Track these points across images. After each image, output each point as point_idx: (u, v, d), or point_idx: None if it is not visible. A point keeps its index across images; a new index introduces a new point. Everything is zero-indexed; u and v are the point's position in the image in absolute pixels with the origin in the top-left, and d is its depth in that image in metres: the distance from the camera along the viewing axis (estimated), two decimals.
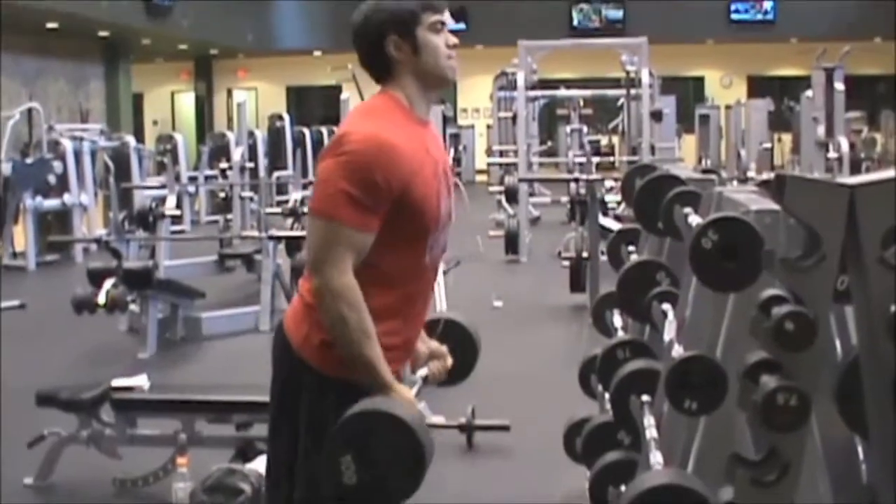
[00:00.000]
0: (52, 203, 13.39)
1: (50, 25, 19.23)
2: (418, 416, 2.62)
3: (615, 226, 9.10)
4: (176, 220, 11.29)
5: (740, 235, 2.12)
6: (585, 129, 17.29)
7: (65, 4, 17.14)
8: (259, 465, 4.47)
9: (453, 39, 2.82)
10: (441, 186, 2.81)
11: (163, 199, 10.19)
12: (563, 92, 16.82)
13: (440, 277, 6.86)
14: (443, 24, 2.81)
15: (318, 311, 2.69)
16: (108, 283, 7.45)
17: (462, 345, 3.28)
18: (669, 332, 2.88)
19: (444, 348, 3.18)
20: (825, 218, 1.90)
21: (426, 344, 3.12)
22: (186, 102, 30.47)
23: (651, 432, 2.75)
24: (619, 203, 11.02)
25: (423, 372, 3.09)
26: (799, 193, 1.94)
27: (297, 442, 2.79)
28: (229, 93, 29.68)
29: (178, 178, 15.12)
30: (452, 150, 23.75)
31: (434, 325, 3.24)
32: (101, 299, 7.38)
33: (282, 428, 2.85)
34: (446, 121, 24.10)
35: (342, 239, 2.62)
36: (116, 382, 5.15)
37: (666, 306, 3.10)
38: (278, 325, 2.86)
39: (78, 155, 14.09)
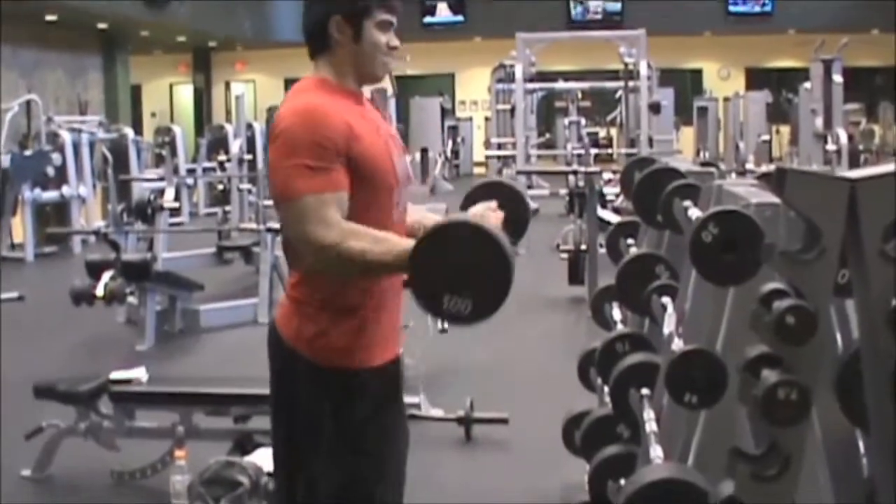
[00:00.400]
0: (50, 195, 13.38)
1: (49, 17, 19.20)
2: (485, 223, 2.57)
3: (614, 218, 9.10)
4: (174, 212, 11.30)
5: (740, 229, 2.12)
6: (584, 121, 17.29)
7: None
8: (257, 457, 4.47)
9: (395, 42, 2.81)
10: (388, 144, 2.80)
11: (161, 191, 10.19)
12: (561, 84, 16.85)
13: None
14: (391, 24, 2.80)
15: (334, 271, 2.66)
16: (107, 275, 7.44)
17: (509, 201, 3.08)
18: (669, 325, 2.88)
19: (489, 203, 3.04)
20: (826, 211, 1.89)
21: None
22: (185, 94, 30.44)
23: (651, 426, 2.74)
24: (617, 195, 11.01)
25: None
26: (799, 187, 1.94)
27: (295, 435, 2.79)
28: (227, 85, 29.65)
29: (176, 170, 15.13)
30: (450, 143, 23.77)
31: (473, 195, 3.11)
32: (100, 291, 7.37)
33: (282, 422, 2.85)
34: (444, 113, 24.17)
35: (313, 208, 2.58)
36: (115, 375, 5.15)
37: (665, 299, 3.10)
38: (270, 325, 2.86)
39: (76, 147, 14.08)
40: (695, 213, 2.69)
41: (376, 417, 2.79)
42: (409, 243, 2.53)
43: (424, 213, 3.06)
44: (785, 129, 21.07)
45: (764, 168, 10.94)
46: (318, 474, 2.76)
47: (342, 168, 2.63)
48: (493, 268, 2.48)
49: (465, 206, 3.07)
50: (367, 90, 2.95)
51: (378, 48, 2.78)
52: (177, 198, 11.17)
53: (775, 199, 2.18)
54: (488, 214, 2.93)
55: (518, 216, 3.11)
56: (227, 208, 14.63)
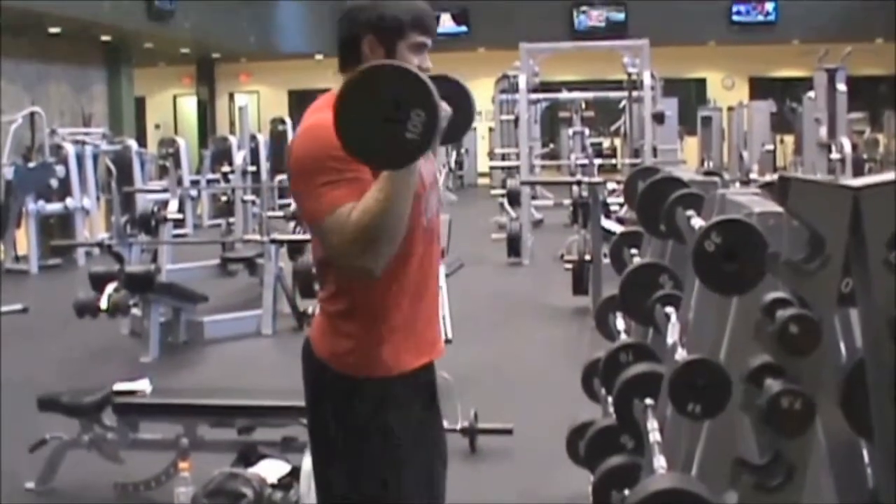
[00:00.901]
0: (54, 207, 13.41)
1: (52, 30, 19.24)
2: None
3: (618, 228, 9.09)
4: (178, 223, 11.31)
5: (743, 238, 2.11)
6: (587, 131, 17.29)
7: (67, 7, 17.14)
8: (261, 469, 4.47)
9: (428, 64, 2.75)
10: None
11: (165, 203, 10.19)
12: (564, 94, 16.83)
13: (442, 280, 6.85)
14: (425, 46, 2.76)
15: (338, 313, 2.68)
16: (111, 287, 7.45)
17: (457, 97, 2.90)
18: (672, 335, 2.87)
19: None
20: (829, 220, 1.88)
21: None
22: (189, 106, 30.48)
23: (654, 436, 2.73)
24: (621, 205, 11.01)
25: None
26: (803, 195, 1.93)
27: (334, 448, 2.80)
28: (231, 97, 29.69)
29: (180, 181, 15.13)
30: (454, 154, 23.77)
31: None
32: (104, 303, 7.38)
33: (319, 437, 2.86)
34: None
35: (336, 224, 2.54)
36: (118, 386, 5.15)
37: (669, 309, 3.08)
38: (305, 342, 2.85)
39: (80, 159, 14.11)
40: (698, 222, 2.68)
41: (410, 423, 2.80)
42: (382, 175, 2.51)
43: None
44: (789, 139, 21.06)
45: (768, 177, 10.94)
46: (355, 484, 2.77)
47: (363, 174, 2.58)
48: (427, 95, 2.41)
49: None
50: None
51: None
52: (180, 209, 11.16)
53: (778, 209, 2.17)
54: None
55: (464, 110, 2.94)
56: (231, 220, 14.65)
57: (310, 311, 8.12)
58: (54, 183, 13.35)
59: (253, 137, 16.53)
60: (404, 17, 2.72)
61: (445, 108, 2.59)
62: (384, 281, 2.64)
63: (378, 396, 2.72)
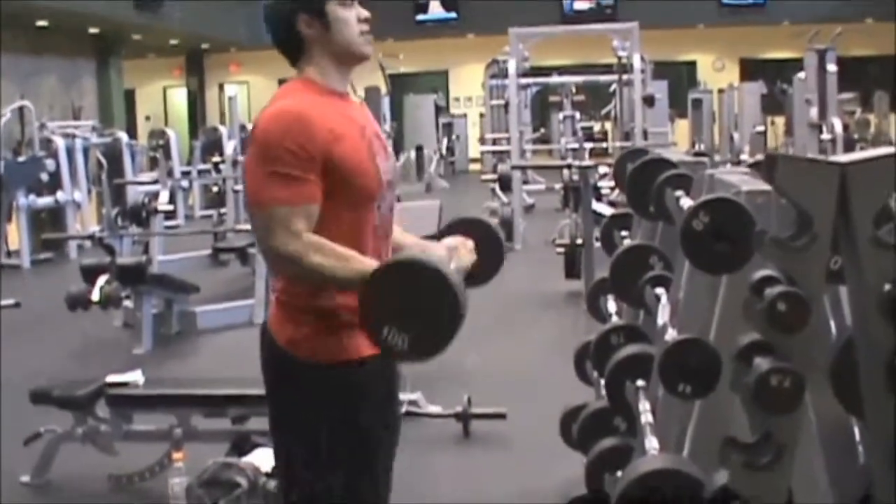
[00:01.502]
0: (45, 201, 13.38)
1: (40, 23, 19.18)
2: (438, 260, 2.58)
3: (609, 212, 9.08)
4: (169, 215, 11.27)
5: (731, 217, 2.11)
6: (578, 115, 17.25)
7: (55, 2, 17.09)
8: (255, 458, 4.46)
9: (364, 13, 2.79)
10: (373, 147, 2.76)
11: (156, 195, 10.18)
12: (555, 79, 16.81)
13: None
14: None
15: (299, 281, 2.68)
16: (102, 280, 7.44)
17: (485, 242, 3.05)
18: (663, 316, 2.87)
19: (466, 240, 3.01)
20: (817, 197, 1.88)
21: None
22: (179, 97, 30.42)
23: (646, 417, 2.74)
24: (612, 189, 10.99)
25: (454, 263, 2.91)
26: (790, 173, 1.92)
27: (296, 436, 2.78)
28: (221, 87, 29.61)
29: (170, 173, 15.09)
30: (445, 140, 23.75)
31: (452, 227, 3.10)
32: (96, 296, 7.36)
33: (282, 424, 2.85)
34: (438, 110, 24.17)
35: (281, 219, 2.58)
36: (111, 378, 5.14)
37: (659, 290, 3.09)
38: (262, 328, 2.85)
39: (70, 152, 14.08)
40: (686, 202, 2.67)
41: (371, 406, 2.78)
42: (371, 265, 2.56)
43: (418, 241, 3.05)
44: (780, 120, 21.04)
45: (759, 157, 10.92)
46: (319, 470, 2.74)
47: (317, 178, 2.61)
48: (441, 314, 2.48)
49: (444, 234, 3.06)
50: (360, 88, 2.92)
51: (350, 26, 2.75)
52: (171, 201, 11.16)
53: (766, 187, 2.17)
54: (461, 250, 2.93)
55: (492, 256, 3.07)
56: (223, 210, 14.63)
57: None
58: (45, 177, 13.31)
59: (243, 127, 16.43)
60: None
61: (466, 260, 2.86)
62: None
63: (339, 382, 2.69)
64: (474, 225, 3.12)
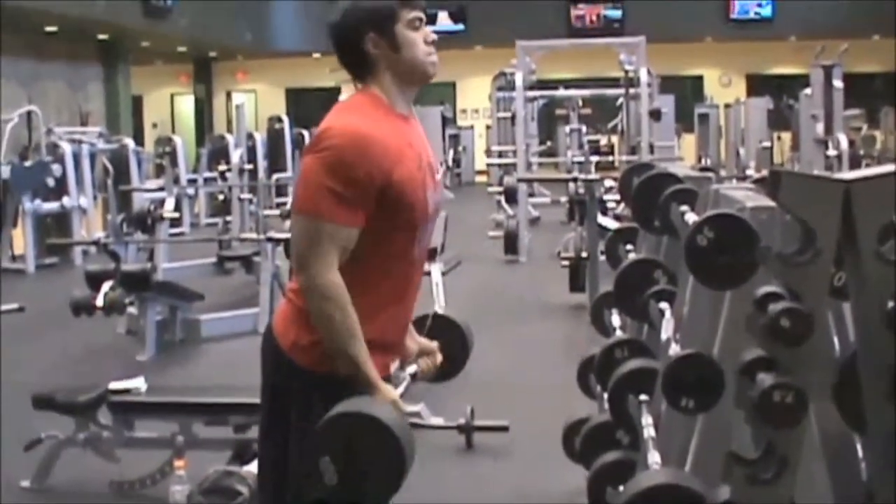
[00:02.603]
0: (51, 206, 13.38)
1: (49, 29, 19.22)
2: (400, 418, 2.61)
3: (615, 225, 9.08)
4: (175, 222, 11.29)
5: (736, 232, 2.10)
6: (584, 128, 17.28)
7: (63, 6, 17.12)
8: (256, 467, 4.46)
9: (432, 35, 2.82)
10: (426, 178, 2.79)
11: (161, 202, 10.18)
12: (561, 92, 16.82)
13: (439, 277, 6.85)
14: (421, 20, 2.80)
15: (306, 307, 2.68)
16: (107, 286, 7.43)
17: (452, 341, 3.24)
18: (667, 330, 2.87)
19: (433, 344, 3.15)
20: (821, 214, 1.88)
21: (415, 340, 3.10)
22: (186, 105, 30.45)
23: (649, 431, 2.73)
24: (618, 202, 11.00)
25: (411, 369, 3.04)
26: (794, 189, 1.93)
27: (287, 444, 2.78)
28: (228, 95, 29.66)
29: (177, 180, 15.11)
30: (452, 151, 23.76)
31: (423, 322, 3.21)
32: (100, 302, 7.36)
33: (273, 431, 2.84)
34: (445, 122, 24.18)
35: (326, 235, 2.61)
36: (114, 385, 5.14)
37: (663, 305, 3.09)
38: (267, 329, 2.85)
39: (77, 158, 14.08)
40: (691, 217, 2.68)
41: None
42: (364, 367, 2.66)
43: (417, 340, 3.13)
44: (786, 136, 21.05)
45: (764, 173, 10.91)
46: (308, 478, 2.74)
47: (368, 205, 2.65)
48: (383, 470, 2.55)
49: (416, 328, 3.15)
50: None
51: (417, 47, 2.78)
52: (177, 208, 11.15)
53: (771, 203, 2.17)
54: (425, 364, 3.08)
55: (456, 356, 3.26)
56: (228, 218, 14.62)
57: None
58: (51, 182, 13.32)
59: (250, 136, 16.52)
60: (389, 1, 2.76)
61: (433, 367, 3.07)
62: (360, 288, 2.68)
63: (339, 393, 2.68)
64: (439, 322, 3.28)
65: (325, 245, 2.60)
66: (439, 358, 3.15)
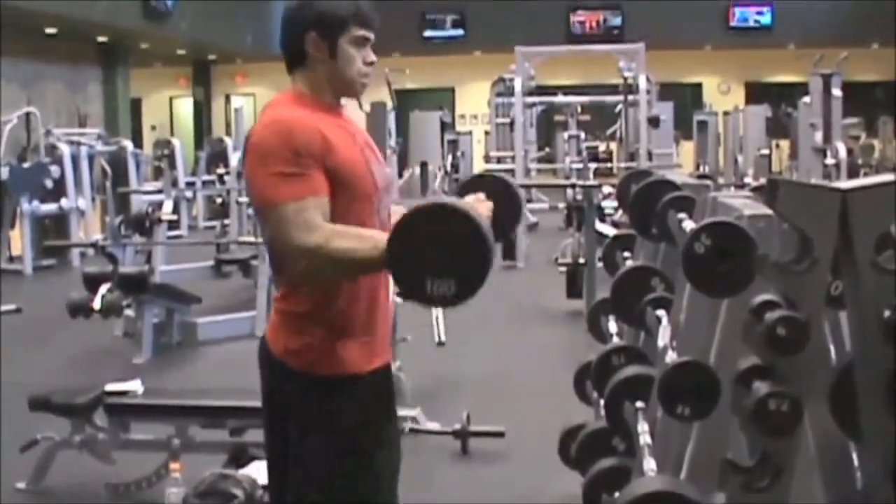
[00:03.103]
0: (49, 207, 13.38)
1: (49, 30, 19.22)
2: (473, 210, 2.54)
3: (612, 232, 9.08)
4: (173, 224, 11.29)
5: (733, 240, 2.11)
6: (583, 135, 17.30)
7: (63, 7, 17.12)
8: (252, 470, 4.46)
9: (372, 57, 2.80)
10: (366, 154, 2.79)
11: (160, 204, 10.18)
12: (560, 98, 16.86)
13: None
14: (367, 40, 2.79)
15: (317, 278, 2.66)
16: (104, 288, 7.42)
17: (502, 193, 3.05)
18: (663, 337, 2.87)
19: (480, 195, 3.01)
20: (818, 222, 1.89)
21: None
22: (185, 108, 30.45)
23: (645, 438, 2.74)
24: (616, 209, 11.00)
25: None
26: (791, 198, 1.94)
27: (286, 446, 2.79)
28: (227, 98, 29.66)
29: (175, 183, 15.11)
30: (450, 157, 23.76)
31: (478, 182, 3.10)
32: (97, 304, 7.35)
33: (273, 433, 2.85)
34: (444, 127, 24.19)
35: (294, 214, 2.57)
36: (110, 387, 5.14)
37: (660, 312, 3.09)
38: (261, 340, 2.86)
39: (75, 159, 14.08)
40: (689, 224, 2.68)
41: (368, 422, 2.77)
42: (382, 243, 2.53)
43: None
44: (784, 144, 21.07)
45: (762, 181, 10.93)
46: (310, 483, 2.74)
47: (320, 174, 2.62)
48: (470, 246, 2.46)
49: (461, 192, 3.06)
50: (365, 103, 2.93)
51: (354, 64, 2.77)
52: (175, 211, 11.17)
53: (768, 211, 2.18)
54: (477, 204, 2.88)
55: (509, 207, 3.06)
56: (226, 221, 14.61)
57: None
58: (49, 183, 13.32)
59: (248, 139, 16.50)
60: (345, 12, 2.75)
61: (486, 213, 2.76)
62: (337, 283, 2.68)
63: (335, 395, 2.69)
64: (486, 179, 3.13)
65: (298, 220, 2.56)
66: (490, 204, 2.97)
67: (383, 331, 2.88)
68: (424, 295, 2.47)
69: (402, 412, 3.14)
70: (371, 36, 2.80)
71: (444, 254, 2.45)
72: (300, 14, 2.78)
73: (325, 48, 2.74)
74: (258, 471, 4.41)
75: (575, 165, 14.87)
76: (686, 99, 26.36)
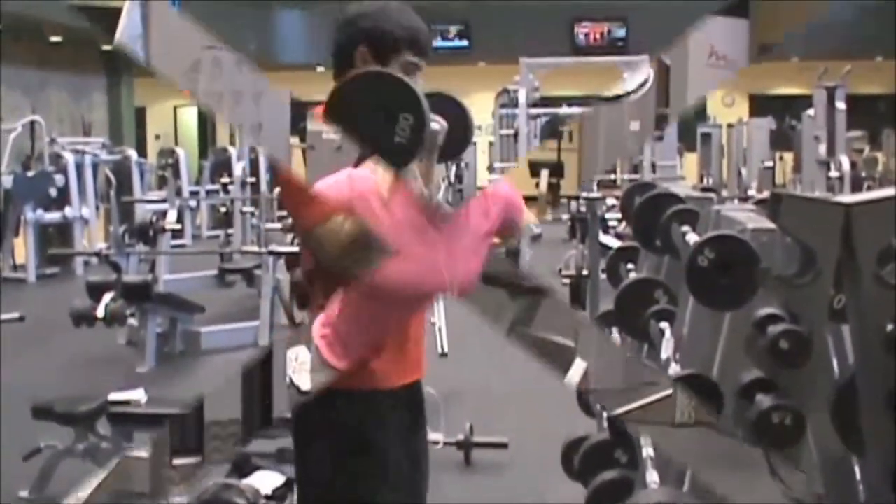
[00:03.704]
0: (53, 216, 13.40)
1: (53, 39, 19.26)
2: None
3: (615, 244, 9.08)
4: (177, 234, 11.30)
5: (736, 253, 2.11)
6: None
7: (67, 16, 17.15)
8: (255, 480, 4.46)
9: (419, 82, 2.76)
10: None
11: (164, 213, 10.18)
12: (564, 109, 16.86)
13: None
14: (417, 67, 2.71)
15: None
16: (108, 297, 7.44)
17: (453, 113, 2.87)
18: (667, 350, 2.87)
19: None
20: (821, 236, 1.89)
21: None
22: (189, 117, 30.47)
23: (647, 451, 2.74)
24: (619, 221, 11.01)
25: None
26: (795, 211, 1.94)
27: (313, 460, 2.79)
28: None
29: (179, 192, 15.15)
30: (454, 167, 23.76)
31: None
32: (101, 313, 7.37)
33: (302, 451, 2.85)
34: None
35: (340, 224, 2.52)
36: (113, 396, 5.14)
37: (663, 324, 3.09)
38: None
39: (79, 168, 14.11)
40: (692, 237, 2.69)
41: (395, 439, 2.77)
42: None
43: None
44: (788, 156, 21.05)
45: (765, 194, 10.92)
46: (333, 497, 2.74)
47: None
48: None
49: None
50: None
51: None
52: (179, 220, 11.16)
53: (772, 225, 2.18)
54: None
55: (461, 125, 2.89)
56: (230, 231, 14.64)
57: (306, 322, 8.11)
58: (53, 192, 13.34)
59: (253, 149, 16.53)
60: (401, 33, 2.67)
61: (441, 122, 2.59)
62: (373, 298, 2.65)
63: (362, 410, 2.69)
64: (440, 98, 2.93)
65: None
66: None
67: (416, 347, 2.90)
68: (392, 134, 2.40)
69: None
70: (422, 64, 2.72)
71: (391, 105, 2.40)
72: (356, 24, 2.70)
73: (373, 65, 2.65)
74: (261, 481, 4.42)
75: None
76: (690, 111, 26.34)
